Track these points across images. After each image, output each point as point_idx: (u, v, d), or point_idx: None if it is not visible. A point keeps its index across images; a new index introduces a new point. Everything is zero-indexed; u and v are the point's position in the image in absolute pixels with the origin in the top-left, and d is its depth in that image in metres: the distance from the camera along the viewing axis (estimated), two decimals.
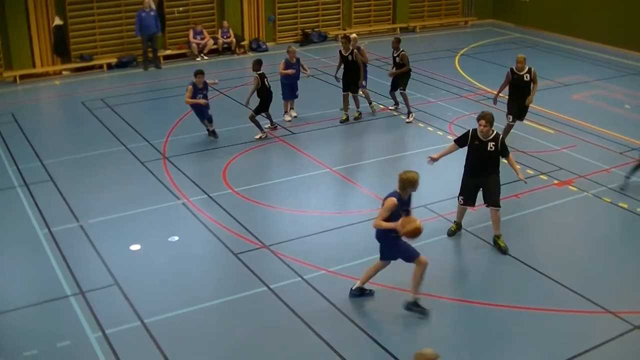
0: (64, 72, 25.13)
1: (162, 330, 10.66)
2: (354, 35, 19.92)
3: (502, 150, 12.78)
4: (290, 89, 19.99)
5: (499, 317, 11.21)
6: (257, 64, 18.41)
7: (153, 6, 25.52)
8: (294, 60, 19.77)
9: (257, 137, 18.28)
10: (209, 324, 10.97)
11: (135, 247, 13.16)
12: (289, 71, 19.60)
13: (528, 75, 17.05)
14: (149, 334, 10.56)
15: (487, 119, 12.60)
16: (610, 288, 11.97)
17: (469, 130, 13.00)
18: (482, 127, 12.65)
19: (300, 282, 11.94)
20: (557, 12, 30.58)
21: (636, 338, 10.63)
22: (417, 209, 14.40)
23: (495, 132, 12.78)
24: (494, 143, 12.71)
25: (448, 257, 13.15)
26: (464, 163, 13.25)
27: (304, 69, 20.19)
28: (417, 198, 14.80)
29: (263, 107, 18.64)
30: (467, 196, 13.35)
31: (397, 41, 19.69)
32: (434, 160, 13.12)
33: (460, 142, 13.11)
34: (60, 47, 24.91)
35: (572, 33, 29.89)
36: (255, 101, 18.52)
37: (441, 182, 15.81)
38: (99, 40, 25.85)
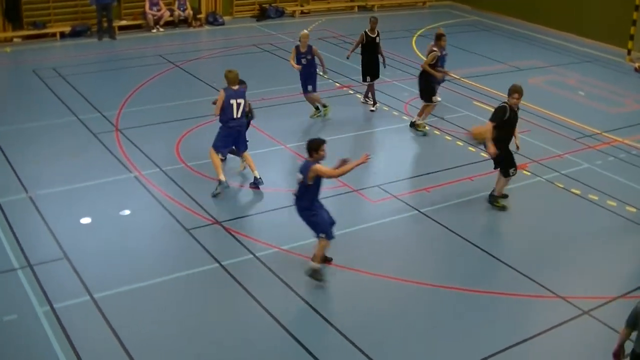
0: (15, 39, 24.63)
1: (111, 306, 10.54)
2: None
3: None
4: (303, 80, 18.11)
5: (451, 299, 11.27)
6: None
7: None
8: (306, 48, 17.83)
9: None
10: (159, 300, 10.88)
11: (85, 220, 12.99)
12: (297, 67, 17.80)
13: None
14: (98, 309, 10.44)
15: (520, 92, 13.49)
16: (561, 273, 12.11)
17: (502, 107, 13.53)
18: (516, 100, 13.46)
19: (252, 260, 11.89)
20: None
21: (585, 323, 10.78)
22: (371, 189, 14.46)
23: None
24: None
25: (403, 238, 13.20)
26: (500, 138, 13.48)
27: (320, 63, 18.14)
28: (371, 178, 14.92)
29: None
30: (515, 165, 14.01)
31: (376, 21, 18.71)
32: (494, 153, 13.51)
33: (498, 120, 13.48)
34: (12, 13, 24.43)
35: (529, 18, 30.04)
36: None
37: (394, 163, 15.90)
38: (52, 7, 25.37)
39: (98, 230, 12.77)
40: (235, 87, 14.06)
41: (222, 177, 13.90)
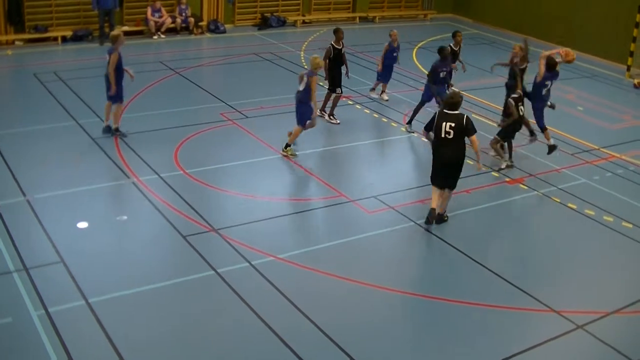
0: (16, 43, 24.68)
1: (106, 311, 10.54)
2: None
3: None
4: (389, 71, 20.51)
5: (444, 311, 11.28)
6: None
7: None
8: (396, 44, 20.36)
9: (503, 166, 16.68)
10: (154, 306, 10.88)
11: (82, 224, 13.00)
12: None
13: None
14: (93, 314, 10.44)
15: None
16: (556, 287, 12.13)
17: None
18: None
19: (247, 268, 11.89)
20: (515, 11, 30.86)
21: (579, 337, 10.78)
22: (367, 200, 14.48)
23: None
24: None
25: (399, 249, 13.19)
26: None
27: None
28: (368, 189, 14.94)
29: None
30: None
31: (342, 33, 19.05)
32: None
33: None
34: (14, 17, 24.48)
35: (529, 32, 30.04)
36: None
37: (391, 174, 15.95)
38: (54, 11, 25.43)
39: (95, 235, 12.78)
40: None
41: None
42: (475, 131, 13.30)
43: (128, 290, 11.11)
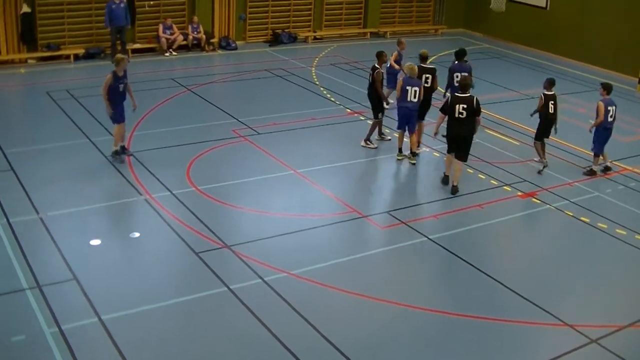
0: (29, 61, 24.81)
1: (119, 328, 10.55)
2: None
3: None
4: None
5: (457, 326, 11.25)
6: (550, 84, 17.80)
7: None
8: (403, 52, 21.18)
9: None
10: (167, 323, 10.89)
11: (95, 242, 13.03)
12: (397, 66, 20.86)
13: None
14: (106, 331, 10.45)
15: None
16: (569, 301, 12.10)
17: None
18: None
19: (260, 284, 11.89)
20: (525, 25, 30.85)
21: (593, 352, 10.74)
22: (380, 215, 14.47)
23: None
24: None
25: (411, 265, 13.19)
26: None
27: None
28: (381, 204, 14.94)
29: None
30: None
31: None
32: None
33: None
34: (27, 35, 24.61)
35: (540, 46, 30.19)
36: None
37: (404, 189, 15.97)
38: (67, 30, 25.57)
39: (107, 252, 12.81)
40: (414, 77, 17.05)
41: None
42: (481, 112, 15.60)
43: (141, 307, 11.12)
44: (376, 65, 18.02)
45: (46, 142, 17.40)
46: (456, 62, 19.01)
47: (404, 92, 16.95)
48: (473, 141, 15.90)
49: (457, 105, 15.30)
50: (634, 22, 26.43)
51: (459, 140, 15.57)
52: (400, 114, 17.22)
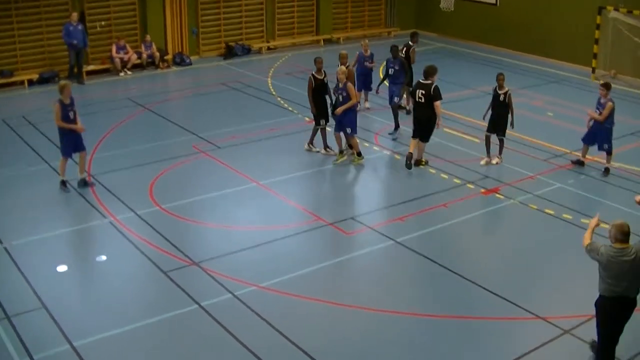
0: None
1: (92, 353, 10.47)
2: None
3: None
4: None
5: (431, 327, 11.31)
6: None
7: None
8: (368, 53, 21.87)
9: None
10: (140, 344, 10.83)
11: (62, 268, 12.92)
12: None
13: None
14: (79, 357, 10.36)
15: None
16: (540, 294, 12.21)
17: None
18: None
19: (231, 299, 11.86)
20: (476, 21, 31.14)
21: (566, 342, 10.85)
22: (345, 221, 14.50)
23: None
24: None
25: (380, 269, 13.22)
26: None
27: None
28: (345, 210, 14.97)
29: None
30: None
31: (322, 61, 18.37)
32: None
33: None
34: None
35: (494, 42, 30.49)
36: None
37: (367, 193, 16.01)
38: (19, 55, 25.31)
39: (75, 278, 12.73)
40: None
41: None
42: (441, 98, 16.81)
43: (112, 330, 11.04)
44: (313, 73, 17.91)
45: (6, 170, 17.21)
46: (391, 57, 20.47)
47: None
48: (432, 137, 17.30)
49: (418, 91, 16.95)
50: (584, 12, 26.66)
51: (419, 123, 17.10)
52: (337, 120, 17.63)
